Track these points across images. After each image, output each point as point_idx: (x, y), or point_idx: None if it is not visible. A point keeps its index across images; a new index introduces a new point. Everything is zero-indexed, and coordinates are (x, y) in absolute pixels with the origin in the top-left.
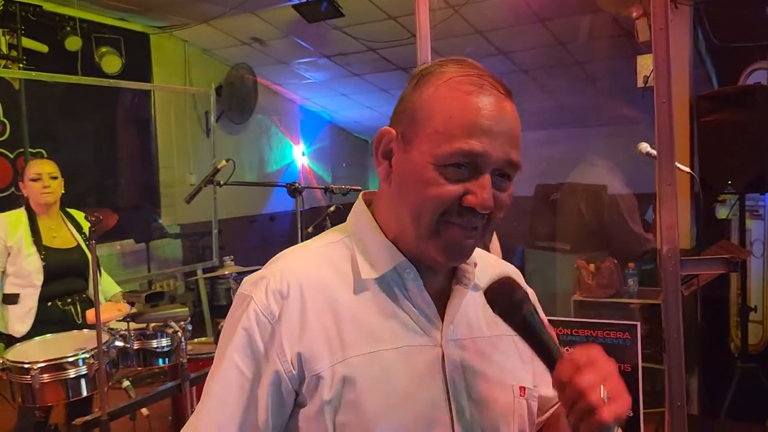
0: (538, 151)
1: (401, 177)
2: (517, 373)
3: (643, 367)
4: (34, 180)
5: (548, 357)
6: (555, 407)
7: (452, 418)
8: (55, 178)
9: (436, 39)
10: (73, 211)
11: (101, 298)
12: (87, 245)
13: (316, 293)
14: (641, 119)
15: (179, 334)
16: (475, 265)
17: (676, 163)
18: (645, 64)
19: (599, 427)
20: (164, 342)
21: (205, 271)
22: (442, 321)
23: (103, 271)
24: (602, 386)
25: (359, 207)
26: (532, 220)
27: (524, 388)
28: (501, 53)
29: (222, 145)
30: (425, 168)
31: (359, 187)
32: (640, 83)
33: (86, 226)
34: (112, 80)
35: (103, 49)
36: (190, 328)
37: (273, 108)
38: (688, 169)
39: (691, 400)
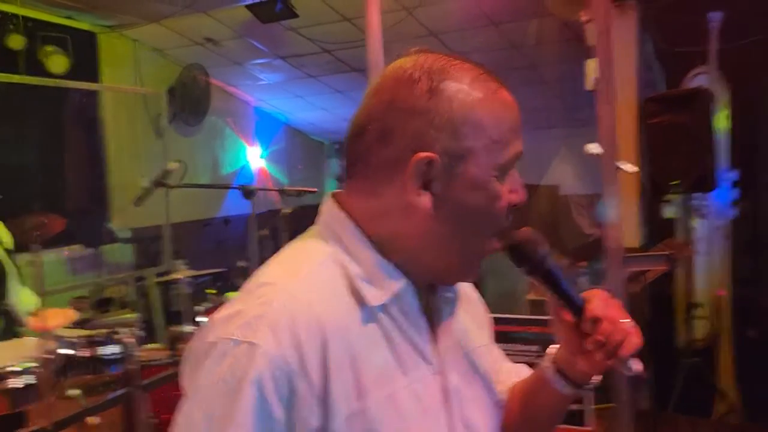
0: None
1: (462, 203)
2: (493, 387)
3: None
4: None
5: (572, 304)
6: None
7: None
8: None
9: (389, 41)
10: None
11: (24, 310)
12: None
13: (333, 333)
14: (592, 121)
15: (129, 340)
16: None
17: (622, 163)
18: (593, 68)
19: (632, 351)
20: (114, 349)
21: (157, 276)
22: (434, 337)
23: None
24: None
25: (338, 215)
26: None
27: (501, 401)
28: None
29: (175, 147)
30: (490, 182)
31: (314, 189)
32: (589, 86)
33: (3, 233)
34: (57, 80)
35: (49, 48)
36: (142, 334)
37: (227, 109)
38: (634, 169)
39: (641, 396)
